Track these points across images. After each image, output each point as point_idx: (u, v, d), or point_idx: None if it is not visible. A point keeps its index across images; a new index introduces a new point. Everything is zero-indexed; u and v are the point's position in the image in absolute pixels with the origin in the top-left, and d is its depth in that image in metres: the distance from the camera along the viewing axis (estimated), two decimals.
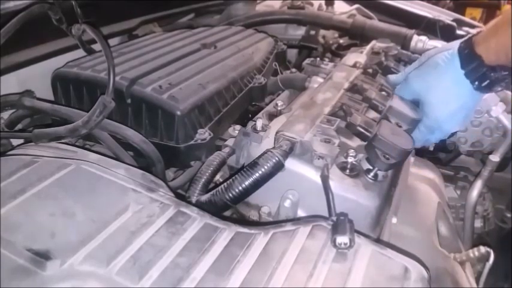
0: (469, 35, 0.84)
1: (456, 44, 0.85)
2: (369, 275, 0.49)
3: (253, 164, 0.69)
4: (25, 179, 0.58)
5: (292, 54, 1.61)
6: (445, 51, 0.85)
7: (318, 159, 0.71)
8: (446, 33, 1.42)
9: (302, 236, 0.54)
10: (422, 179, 1.01)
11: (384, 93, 0.96)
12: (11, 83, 0.99)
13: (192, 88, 0.90)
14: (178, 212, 0.56)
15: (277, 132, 0.75)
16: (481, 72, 0.80)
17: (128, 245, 0.50)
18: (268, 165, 0.68)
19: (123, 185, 0.60)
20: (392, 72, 1.00)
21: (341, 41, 1.58)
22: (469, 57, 0.81)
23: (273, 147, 0.73)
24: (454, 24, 1.46)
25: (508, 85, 0.82)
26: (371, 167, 0.72)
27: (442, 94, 0.84)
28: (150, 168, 0.82)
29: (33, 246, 0.48)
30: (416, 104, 0.89)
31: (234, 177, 0.69)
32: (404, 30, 1.39)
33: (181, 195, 0.73)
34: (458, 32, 1.42)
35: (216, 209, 0.68)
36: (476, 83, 0.81)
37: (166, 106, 0.85)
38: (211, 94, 0.92)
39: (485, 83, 0.81)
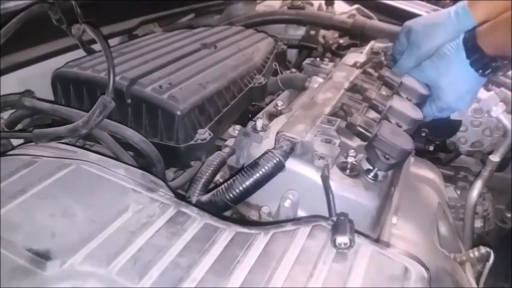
0: (473, 27, 0.92)
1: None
2: (369, 275, 0.49)
3: (254, 165, 0.69)
4: (25, 179, 0.58)
5: (292, 54, 1.61)
6: (453, 41, 0.94)
7: (319, 159, 0.71)
8: None
9: (302, 236, 0.54)
10: (422, 179, 1.01)
11: (384, 93, 0.96)
12: (11, 83, 0.99)
13: (192, 88, 0.90)
14: (179, 212, 0.56)
15: (277, 133, 0.75)
16: (483, 62, 0.89)
17: (128, 245, 0.50)
18: (269, 165, 0.68)
19: (123, 185, 0.60)
20: (389, 83, 1.01)
21: (341, 41, 1.58)
22: (472, 49, 0.90)
23: (274, 148, 0.73)
24: None
25: (508, 69, 0.93)
26: (371, 167, 0.72)
27: (452, 80, 0.94)
28: (150, 168, 0.82)
29: (33, 246, 0.48)
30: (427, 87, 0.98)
31: (234, 178, 0.69)
32: None
33: (181, 195, 0.73)
34: None
35: (216, 209, 0.68)
36: (480, 71, 0.90)
37: (166, 106, 0.85)
38: (211, 94, 0.92)
39: (488, 71, 0.90)
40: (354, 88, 0.95)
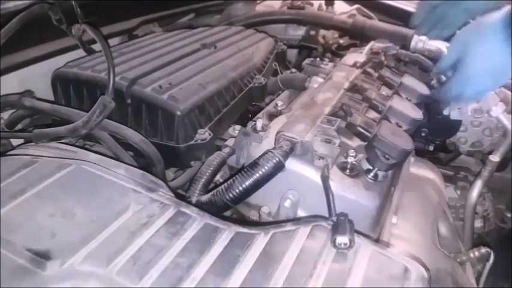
0: None
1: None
2: (369, 275, 0.49)
3: (254, 165, 0.69)
4: (25, 179, 0.58)
5: (292, 54, 1.61)
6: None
7: (319, 159, 0.71)
8: None
9: (302, 236, 0.54)
10: (422, 179, 1.01)
11: (384, 93, 0.96)
12: (11, 83, 0.99)
13: (192, 88, 0.90)
14: (178, 212, 0.56)
15: (277, 133, 0.75)
16: None
17: (128, 245, 0.50)
18: (269, 165, 0.68)
19: (123, 185, 0.60)
20: (389, 83, 0.99)
21: (341, 41, 1.58)
22: None
23: (274, 148, 0.73)
24: None
25: None
26: (371, 167, 0.72)
27: (487, 48, 0.82)
28: (150, 168, 0.82)
29: (33, 246, 0.48)
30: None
31: (234, 178, 0.69)
32: (404, 30, 1.38)
33: (181, 195, 0.73)
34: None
35: (216, 209, 0.68)
36: None
37: (166, 106, 0.85)
38: (211, 94, 0.92)
39: None
40: (353, 88, 0.95)
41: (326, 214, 0.60)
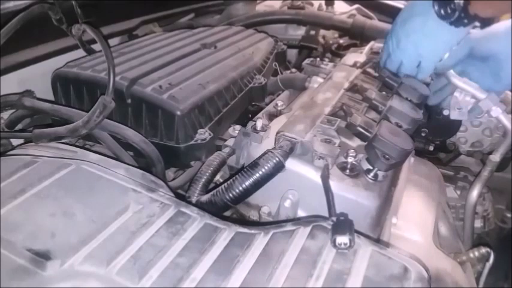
0: None
1: None
2: (368, 275, 0.49)
3: (254, 165, 0.69)
4: (25, 179, 0.58)
5: (292, 54, 1.61)
6: None
7: (319, 159, 0.71)
8: None
9: (302, 236, 0.54)
10: (422, 179, 1.01)
11: (384, 93, 0.96)
12: (11, 83, 0.99)
13: (192, 88, 0.90)
14: (179, 212, 0.56)
15: (277, 133, 0.75)
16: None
17: (128, 245, 0.50)
18: (269, 165, 0.68)
19: (123, 185, 0.60)
20: (389, 83, 1.00)
21: (341, 41, 1.58)
22: None
23: (274, 148, 0.73)
24: None
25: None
26: (371, 167, 0.72)
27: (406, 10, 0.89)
28: (150, 168, 0.82)
29: (33, 246, 0.48)
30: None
31: (234, 178, 0.69)
32: None
33: (181, 195, 0.73)
34: None
35: (216, 209, 0.68)
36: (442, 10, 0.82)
37: (166, 106, 0.85)
38: (211, 94, 0.92)
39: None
40: (353, 88, 0.95)
41: (326, 214, 0.60)
